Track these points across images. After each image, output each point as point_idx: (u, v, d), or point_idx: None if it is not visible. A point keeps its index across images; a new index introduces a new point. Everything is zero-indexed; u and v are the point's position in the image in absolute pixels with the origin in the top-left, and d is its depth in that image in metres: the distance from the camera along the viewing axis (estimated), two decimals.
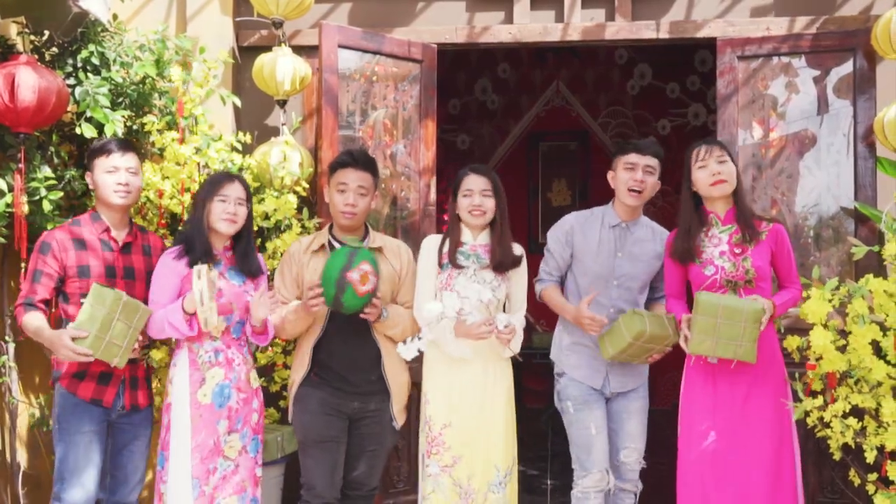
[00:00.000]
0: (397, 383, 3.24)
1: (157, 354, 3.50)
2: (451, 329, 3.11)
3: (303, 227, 3.92)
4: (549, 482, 5.17)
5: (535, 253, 7.24)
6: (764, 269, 3.07)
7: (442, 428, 3.14)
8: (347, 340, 3.17)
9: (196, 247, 3.07)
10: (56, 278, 3.06)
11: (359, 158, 3.27)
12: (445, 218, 3.48)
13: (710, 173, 3.09)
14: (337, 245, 3.23)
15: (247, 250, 3.22)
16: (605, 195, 3.45)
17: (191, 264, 3.04)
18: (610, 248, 3.26)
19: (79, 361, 2.92)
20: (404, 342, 3.13)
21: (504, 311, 3.25)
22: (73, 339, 2.86)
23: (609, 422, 3.26)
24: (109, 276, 3.11)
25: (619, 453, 3.26)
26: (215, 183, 3.16)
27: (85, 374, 3.06)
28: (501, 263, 3.21)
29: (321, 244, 3.25)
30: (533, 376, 6.89)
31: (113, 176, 3.13)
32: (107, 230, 3.16)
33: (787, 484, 3.02)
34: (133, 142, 3.33)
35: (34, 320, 3.01)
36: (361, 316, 3.07)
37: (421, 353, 3.15)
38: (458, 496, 3.10)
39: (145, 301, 3.10)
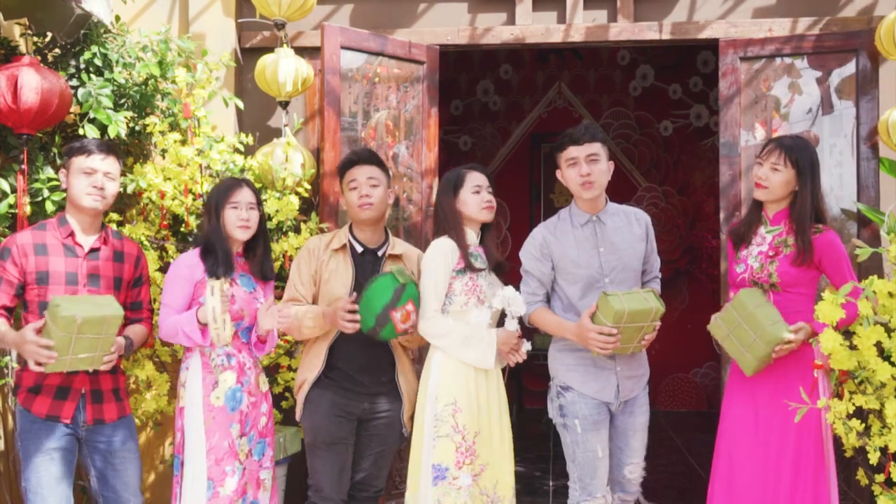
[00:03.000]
0: (409, 391, 3.24)
1: (141, 373, 3.50)
2: (494, 343, 3.04)
3: (309, 230, 3.91)
4: (550, 483, 5.17)
5: None
6: (792, 276, 2.97)
7: (475, 436, 3.04)
8: (362, 345, 3.14)
9: (218, 254, 3.08)
10: (16, 285, 2.91)
11: (362, 155, 3.30)
12: None
13: (755, 174, 3.06)
14: (357, 246, 3.23)
15: (264, 252, 3.24)
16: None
17: (209, 270, 3.06)
18: (590, 246, 3.08)
19: (43, 363, 2.73)
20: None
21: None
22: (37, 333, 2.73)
23: (614, 439, 3.13)
24: (70, 282, 2.95)
25: (624, 468, 3.13)
26: (225, 190, 3.16)
27: (41, 387, 2.89)
28: (500, 265, 3.21)
29: (342, 243, 3.22)
30: (533, 378, 6.87)
31: (89, 178, 2.98)
32: (71, 234, 2.99)
33: (809, 482, 2.97)
34: (115, 145, 3.20)
35: None
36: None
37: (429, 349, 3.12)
38: None
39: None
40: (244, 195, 3.15)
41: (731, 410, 3.11)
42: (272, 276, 3.26)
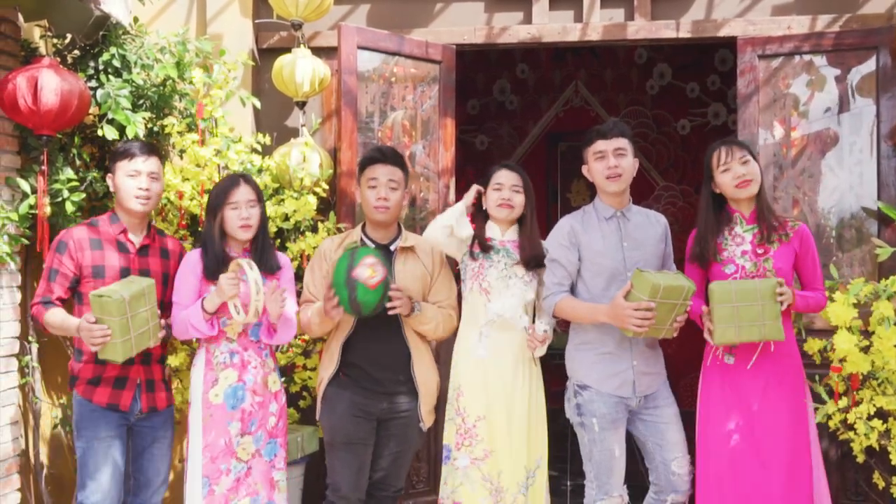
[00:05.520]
0: (426, 384, 3.23)
1: (174, 361, 3.52)
2: (459, 207, 3.24)
3: (326, 230, 3.92)
4: (568, 483, 5.15)
5: None
6: (785, 270, 3.02)
7: (476, 420, 3.11)
8: (377, 339, 3.16)
9: (209, 255, 3.09)
10: (71, 278, 3.05)
11: (387, 153, 3.29)
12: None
13: (734, 175, 3.04)
14: (370, 243, 3.23)
15: (264, 247, 3.20)
16: None
17: (204, 271, 3.07)
18: (615, 239, 3.13)
19: (98, 345, 2.83)
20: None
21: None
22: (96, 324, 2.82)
23: (649, 436, 3.12)
24: (124, 277, 3.07)
25: (671, 464, 3.09)
26: (224, 191, 3.14)
27: (100, 379, 3.05)
28: (532, 259, 3.21)
29: (354, 242, 3.23)
30: (552, 377, 6.85)
31: (134, 180, 3.10)
32: (124, 231, 3.14)
33: (803, 484, 2.97)
34: (156, 145, 3.30)
35: (56, 315, 3.00)
36: (390, 312, 3.06)
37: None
38: (487, 492, 3.07)
39: (165, 304, 3.13)
40: (242, 193, 3.13)
41: (714, 412, 3.08)
42: (277, 267, 3.20)
